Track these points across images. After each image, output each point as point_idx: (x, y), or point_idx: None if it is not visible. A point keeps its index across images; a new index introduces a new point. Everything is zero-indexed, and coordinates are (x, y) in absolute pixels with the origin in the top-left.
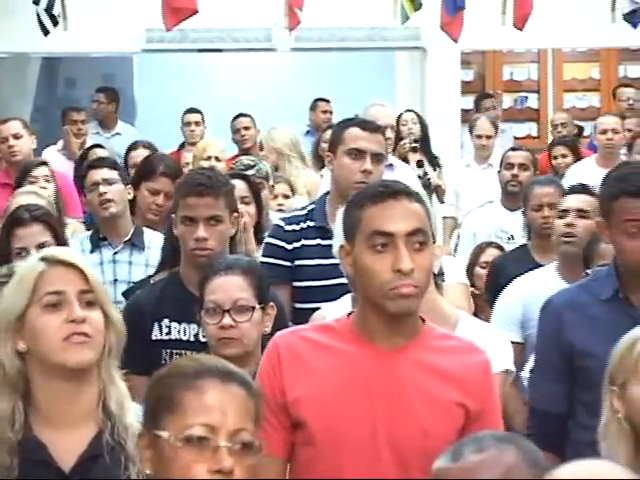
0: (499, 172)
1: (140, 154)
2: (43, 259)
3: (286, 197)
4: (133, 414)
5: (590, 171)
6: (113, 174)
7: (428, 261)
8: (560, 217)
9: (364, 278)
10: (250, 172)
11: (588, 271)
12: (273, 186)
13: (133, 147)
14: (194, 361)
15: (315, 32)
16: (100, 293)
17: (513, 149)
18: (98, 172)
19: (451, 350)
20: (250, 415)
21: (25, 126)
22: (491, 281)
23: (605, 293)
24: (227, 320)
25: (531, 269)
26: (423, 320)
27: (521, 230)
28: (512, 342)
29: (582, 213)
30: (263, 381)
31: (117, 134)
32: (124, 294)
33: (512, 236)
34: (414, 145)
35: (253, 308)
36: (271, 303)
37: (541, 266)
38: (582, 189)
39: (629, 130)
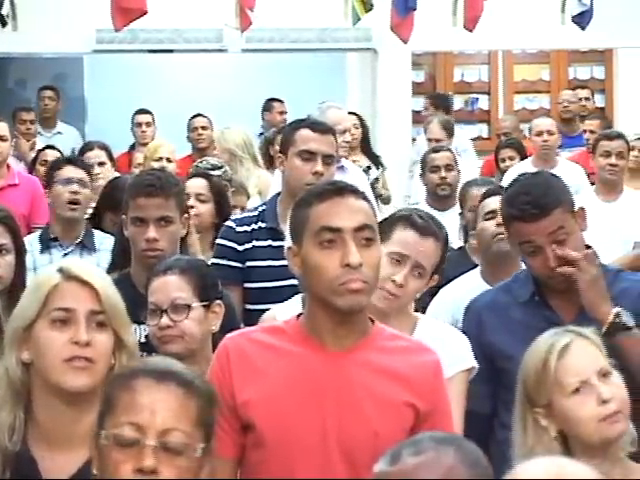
0: (422, 175)
1: (97, 155)
2: (60, 270)
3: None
4: None
5: None
6: (87, 179)
7: (376, 257)
8: (488, 219)
9: (313, 275)
10: (217, 172)
11: None
12: (235, 191)
13: (88, 148)
14: (138, 362)
15: (266, 33)
16: (113, 315)
17: (435, 150)
18: (76, 171)
19: (401, 350)
20: (187, 415)
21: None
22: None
23: (523, 296)
24: (164, 320)
25: (470, 270)
26: (372, 321)
27: (457, 232)
28: None
29: None
30: (213, 383)
31: (58, 133)
32: None
33: None
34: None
35: (189, 306)
36: (218, 301)
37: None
38: (500, 190)
39: (591, 132)
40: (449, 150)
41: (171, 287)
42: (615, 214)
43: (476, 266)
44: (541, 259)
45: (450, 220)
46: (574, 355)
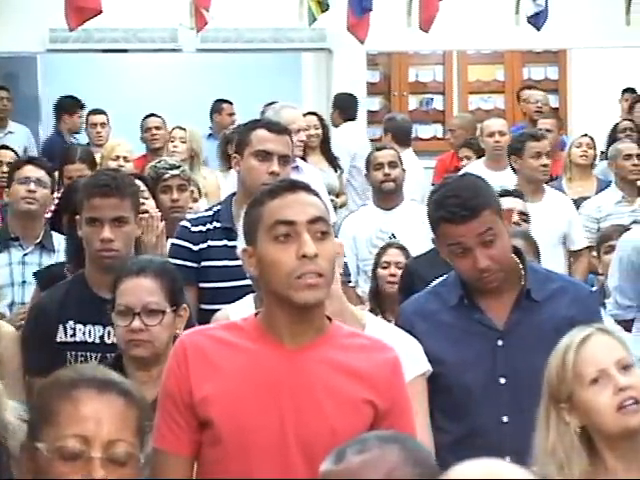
0: (367, 175)
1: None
2: None
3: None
4: (12, 412)
5: (479, 174)
6: (47, 179)
7: (331, 250)
8: None
9: (269, 271)
10: (175, 172)
11: None
12: (193, 191)
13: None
14: (74, 371)
15: (221, 33)
16: None
17: (378, 149)
18: (36, 170)
19: (359, 348)
20: (129, 425)
21: None
22: (404, 284)
23: (452, 300)
24: (137, 323)
25: (444, 270)
26: (330, 319)
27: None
28: None
29: None
30: (170, 380)
31: (9, 133)
32: (35, 274)
33: (393, 235)
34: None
35: (164, 312)
36: (184, 305)
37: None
38: None
39: (548, 130)
40: (393, 149)
41: (145, 290)
42: (541, 214)
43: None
44: (470, 261)
45: (396, 218)
46: (592, 346)
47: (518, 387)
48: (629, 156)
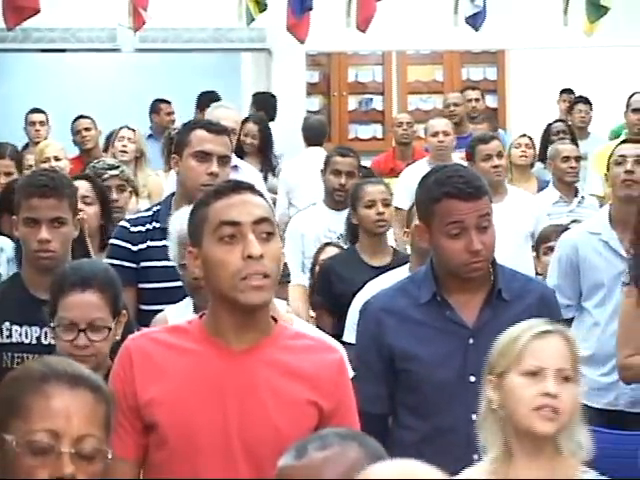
0: (322, 172)
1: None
2: None
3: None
4: None
5: (423, 173)
6: None
7: (277, 251)
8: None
9: (215, 272)
10: (113, 172)
11: None
12: (131, 191)
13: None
14: (43, 365)
15: (160, 33)
16: None
17: (341, 155)
18: None
19: (304, 349)
20: (98, 420)
21: None
22: (321, 282)
23: (423, 297)
24: (82, 340)
25: (360, 269)
26: (275, 320)
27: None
28: None
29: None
30: (115, 384)
31: None
32: None
33: (341, 235)
34: None
35: (109, 329)
36: (123, 311)
37: (370, 266)
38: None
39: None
40: (356, 157)
41: (91, 306)
42: (504, 214)
43: (367, 265)
44: (464, 242)
45: (345, 219)
46: (547, 344)
47: None
48: (567, 158)
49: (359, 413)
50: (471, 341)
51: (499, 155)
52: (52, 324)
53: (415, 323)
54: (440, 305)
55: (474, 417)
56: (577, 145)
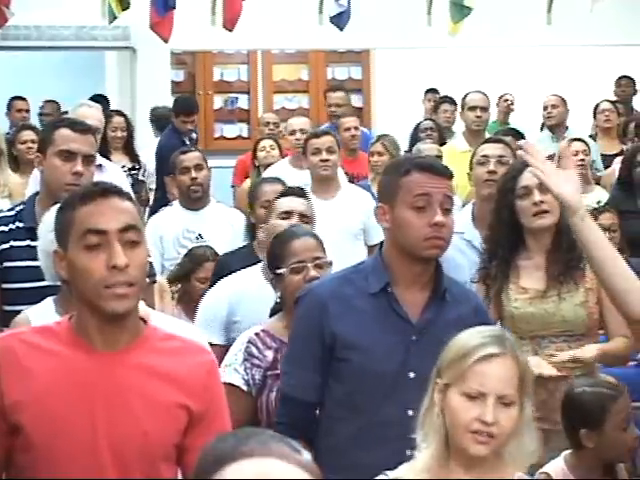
0: (172, 176)
1: None
2: None
3: None
4: None
5: (284, 171)
6: None
7: (142, 258)
8: (283, 219)
9: (79, 278)
10: None
11: None
12: None
13: None
14: None
15: (22, 31)
16: None
17: (183, 152)
18: None
19: (174, 351)
20: None
21: None
22: (218, 278)
23: (372, 287)
24: None
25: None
26: (145, 321)
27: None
28: (213, 344)
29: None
30: None
31: None
32: None
33: (200, 235)
34: None
35: None
36: None
37: None
38: (297, 190)
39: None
40: (198, 151)
41: None
42: (334, 211)
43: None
44: (428, 216)
45: (202, 219)
46: (492, 368)
47: (425, 383)
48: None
49: (288, 399)
50: (414, 337)
51: (329, 150)
52: None
53: (361, 312)
54: (388, 298)
55: (410, 413)
56: (445, 144)
